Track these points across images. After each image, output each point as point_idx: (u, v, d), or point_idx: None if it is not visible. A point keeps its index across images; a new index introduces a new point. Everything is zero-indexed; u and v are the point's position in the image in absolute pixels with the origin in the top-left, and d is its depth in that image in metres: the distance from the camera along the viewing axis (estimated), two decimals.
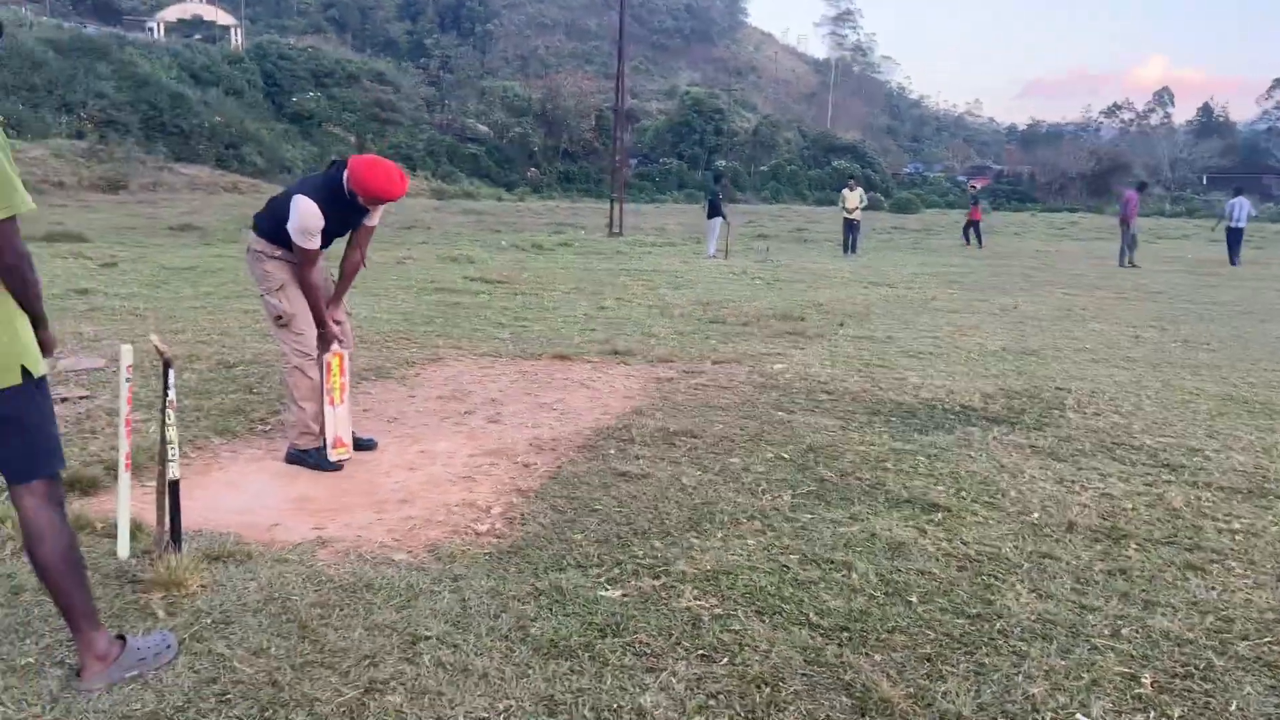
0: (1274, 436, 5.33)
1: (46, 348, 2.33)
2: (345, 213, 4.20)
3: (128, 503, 3.13)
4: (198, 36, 62.79)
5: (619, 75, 26.57)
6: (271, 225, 4.24)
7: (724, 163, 64.05)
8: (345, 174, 4.11)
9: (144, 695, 2.33)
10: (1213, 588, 3.22)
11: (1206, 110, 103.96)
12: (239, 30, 71.22)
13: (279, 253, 4.25)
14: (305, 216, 4.04)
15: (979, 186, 26.87)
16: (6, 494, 3.09)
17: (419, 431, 5.05)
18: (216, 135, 44.38)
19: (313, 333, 4.34)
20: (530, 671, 2.51)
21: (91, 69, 41.83)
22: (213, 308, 8.92)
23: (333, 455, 4.31)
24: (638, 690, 2.43)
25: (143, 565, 3.07)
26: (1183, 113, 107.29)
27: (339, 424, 4.38)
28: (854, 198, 21.08)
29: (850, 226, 20.93)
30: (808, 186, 64.26)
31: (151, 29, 65.14)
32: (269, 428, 4.95)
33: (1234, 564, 3.44)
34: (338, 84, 58.01)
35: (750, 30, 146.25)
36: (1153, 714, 2.41)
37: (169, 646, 2.48)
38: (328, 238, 4.22)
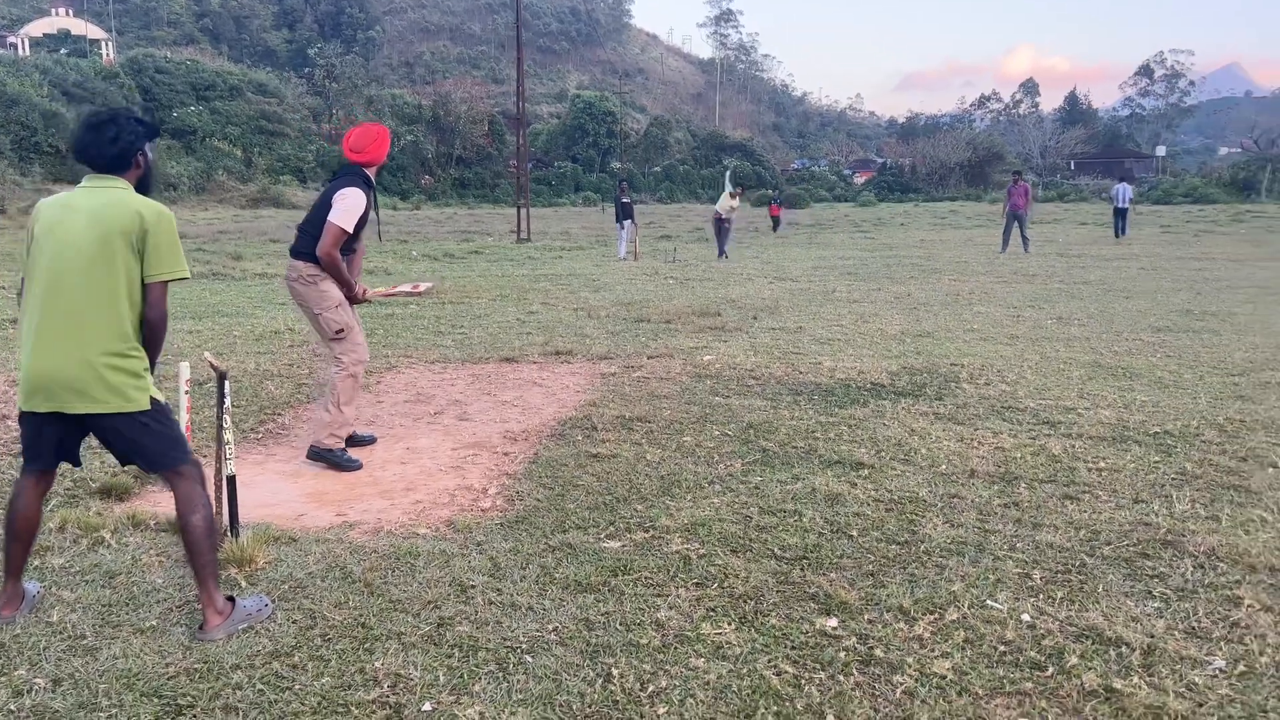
0: (1132, 395, 6.30)
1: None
2: (370, 199, 4.77)
3: None
4: (65, 51, 60.48)
5: (519, 83, 27.03)
6: (314, 248, 4.69)
7: (619, 164, 64.90)
8: (359, 159, 4.71)
9: (260, 641, 2.87)
10: (1084, 511, 4.04)
11: (1072, 98, 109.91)
12: (110, 43, 68.78)
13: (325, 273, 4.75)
14: (355, 199, 4.63)
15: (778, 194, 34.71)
16: (53, 496, 3.60)
17: (398, 431, 5.58)
18: None
19: (365, 343, 4.89)
20: (565, 603, 3.13)
21: None
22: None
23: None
24: (653, 609, 3.08)
25: None
26: (1050, 100, 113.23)
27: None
28: (724, 198, 20.10)
29: (719, 227, 19.86)
30: (700, 185, 65.75)
31: (15, 45, 62.36)
32: (260, 436, 5.41)
33: (1101, 493, 4.28)
34: (220, 97, 56.71)
35: (636, 32, 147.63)
36: (1042, 597, 3.18)
37: (266, 605, 3.02)
38: (361, 226, 4.72)
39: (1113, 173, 76.36)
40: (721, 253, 19.61)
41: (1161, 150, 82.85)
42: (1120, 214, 25.32)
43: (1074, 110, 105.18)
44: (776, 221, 32.19)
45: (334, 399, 4.80)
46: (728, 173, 28.80)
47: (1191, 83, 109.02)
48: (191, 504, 2.92)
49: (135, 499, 4.28)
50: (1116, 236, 24.65)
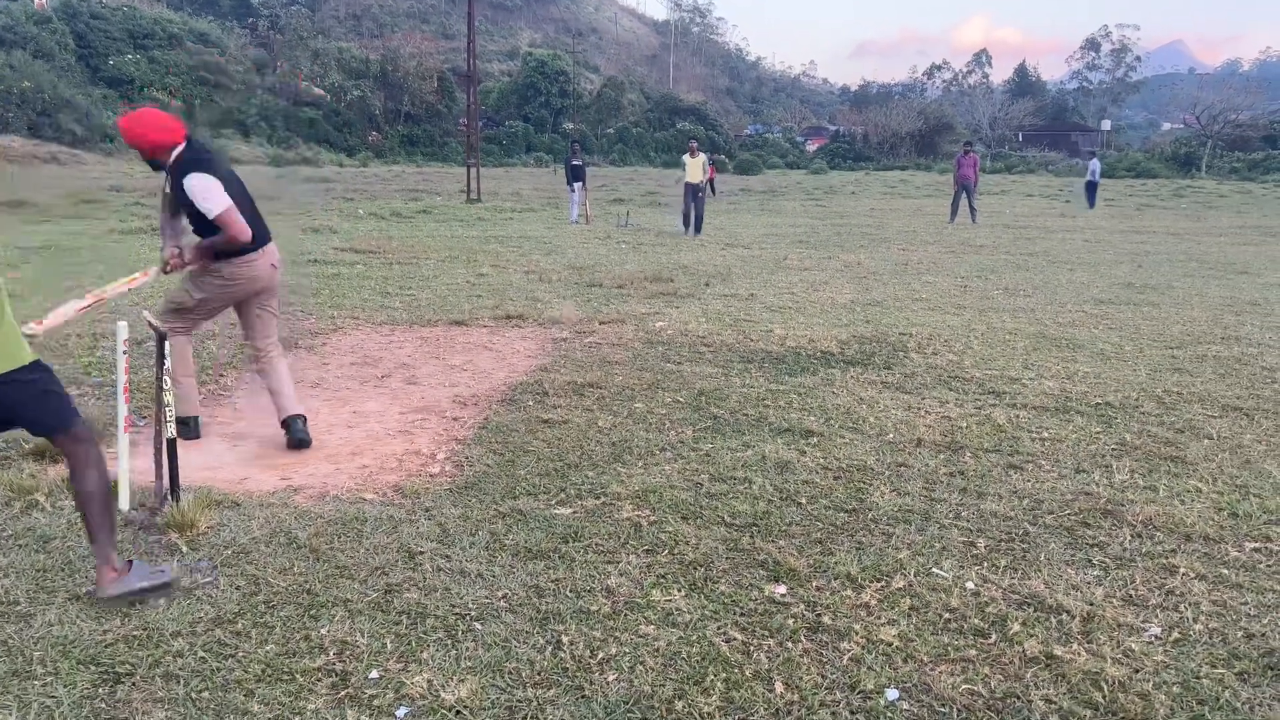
0: (1075, 366, 6.42)
1: None
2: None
3: (126, 460, 3.52)
4: None
5: (470, 39, 26.54)
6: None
7: (571, 125, 64.28)
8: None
9: (202, 607, 2.81)
10: (1028, 480, 4.11)
11: (1022, 70, 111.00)
12: None
13: None
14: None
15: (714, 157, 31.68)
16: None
17: (344, 395, 5.49)
18: (27, 102, 41.36)
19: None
20: (515, 570, 3.11)
21: None
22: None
23: None
24: (603, 576, 3.08)
25: (144, 515, 3.48)
26: (1001, 73, 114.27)
27: None
28: (696, 165, 17.40)
29: (692, 194, 17.14)
30: (654, 149, 65.35)
31: None
32: (201, 397, 5.27)
33: (1044, 463, 4.37)
34: (158, 45, 54.89)
35: None
36: (986, 565, 3.24)
37: (163, 571, 2.92)
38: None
39: (1059, 145, 77.59)
40: (691, 227, 16.94)
41: (1107, 124, 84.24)
42: (1091, 187, 27.12)
43: (1023, 82, 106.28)
44: (710, 185, 30.64)
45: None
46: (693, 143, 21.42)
47: (1138, 58, 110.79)
48: (84, 466, 2.83)
49: None
50: (1090, 207, 26.41)
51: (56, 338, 6.51)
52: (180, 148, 4.16)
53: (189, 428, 4.44)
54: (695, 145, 18.23)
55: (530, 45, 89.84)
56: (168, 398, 3.44)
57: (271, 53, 63.04)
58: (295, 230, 15.33)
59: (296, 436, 4.42)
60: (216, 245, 4.16)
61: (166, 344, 3.42)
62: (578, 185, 19.90)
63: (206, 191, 4.06)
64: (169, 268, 4.14)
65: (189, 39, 57.21)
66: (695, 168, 17.27)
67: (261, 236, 4.34)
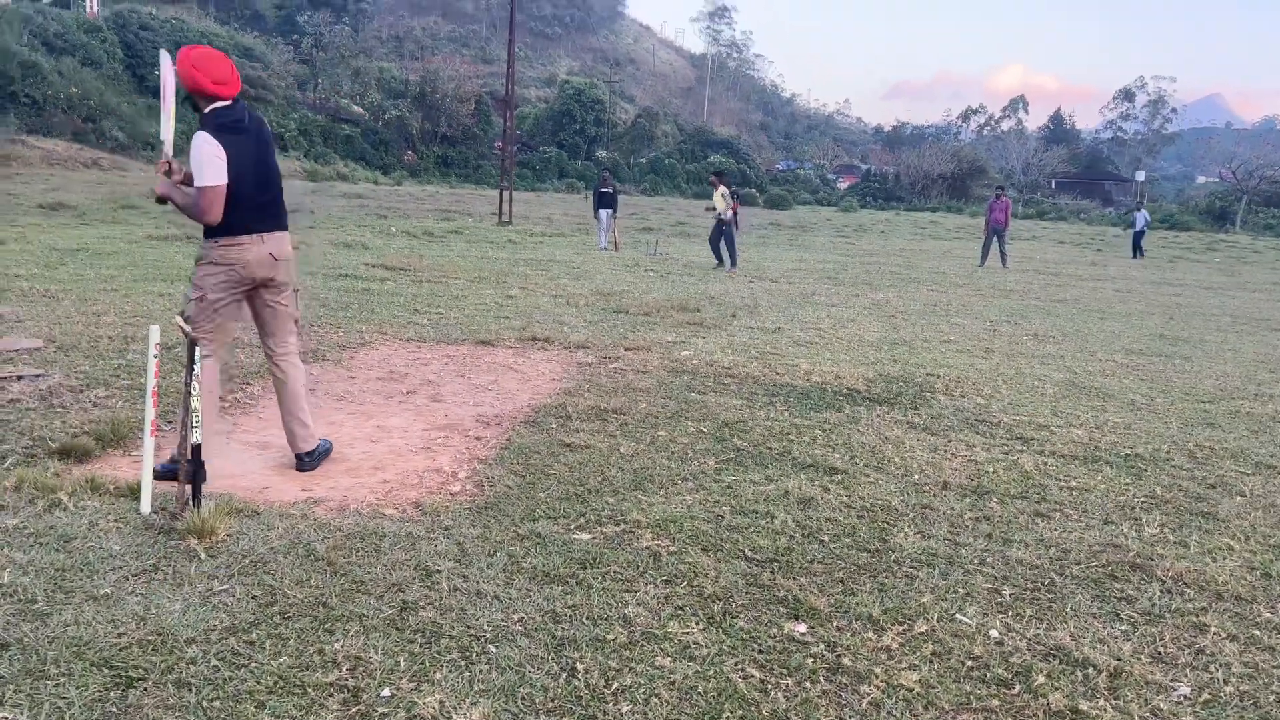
0: (1105, 415, 6.33)
1: None
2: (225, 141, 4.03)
3: (151, 464, 3.53)
4: (48, 1, 59.32)
5: (509, 64, 26.84)
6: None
7: (604, 153, 64.74)
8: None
9: (218, 615, 2.79)
10: (1055, 529, 4.04)
11: (1057, 118, 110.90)
12: None
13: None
14: (199, 148, 3.98)
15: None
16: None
17: (369, 409, 5.49)
18: (74, 108, 42.20)
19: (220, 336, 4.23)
20: (531, 594, 3.08)
21: None
22: (125, 290, 8.99)
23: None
24: (621, 605, 3.04)
25: (165, 519, 3.48)
26: (1036, 119, 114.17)
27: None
28: (717, 197, 16.98)
29: (715, 227, 16.73)
30: (685, 180, 65.68)
31: None
32: (227, 404, 5.30)
33: (1071, 512, 4.29)
34: None
35: (629, 22, 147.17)
36: (1011, 614, 3.17)
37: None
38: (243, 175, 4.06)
39: (1092, 194, 77.26)
40: (725, 261, 16.38)
41: (1141, 175, 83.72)
42: (1138, 236, 27.94)
43: (1058, 129, 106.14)
44: (736, 218, 30.22)
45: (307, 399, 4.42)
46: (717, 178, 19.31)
47: (1173, 110, 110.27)
48: None
49: (96, 461, 4.18)
50: (1133, 256, 27.19)
51: (89, 339, 6.58)
52: (220, 104, 3.95)
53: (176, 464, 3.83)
54: (714, 178, 17.86)
55: (568, 73, 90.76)
56: (195, 403, 3.45)
57: (313, 69, 64.04)
58: (326, 244, 15.48)
59: (303, 469, 4.28)
60: (186, 206, 3.94)
61: (197, 350, 3.43)
62: (605, 213, 19.99)
63: (203, 161, 3.84)
64: (158, 169, 4.03)
65: (234, 53, 58.20)
66: (717, 199, 16.93)
67: (265, 223, 4.11)
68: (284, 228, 4.23)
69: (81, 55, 47.76)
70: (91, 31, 51.50)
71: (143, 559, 3.14)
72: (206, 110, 3.95)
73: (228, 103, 3.98)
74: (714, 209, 16.96)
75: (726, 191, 16.86)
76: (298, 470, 4.28)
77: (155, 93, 45.82)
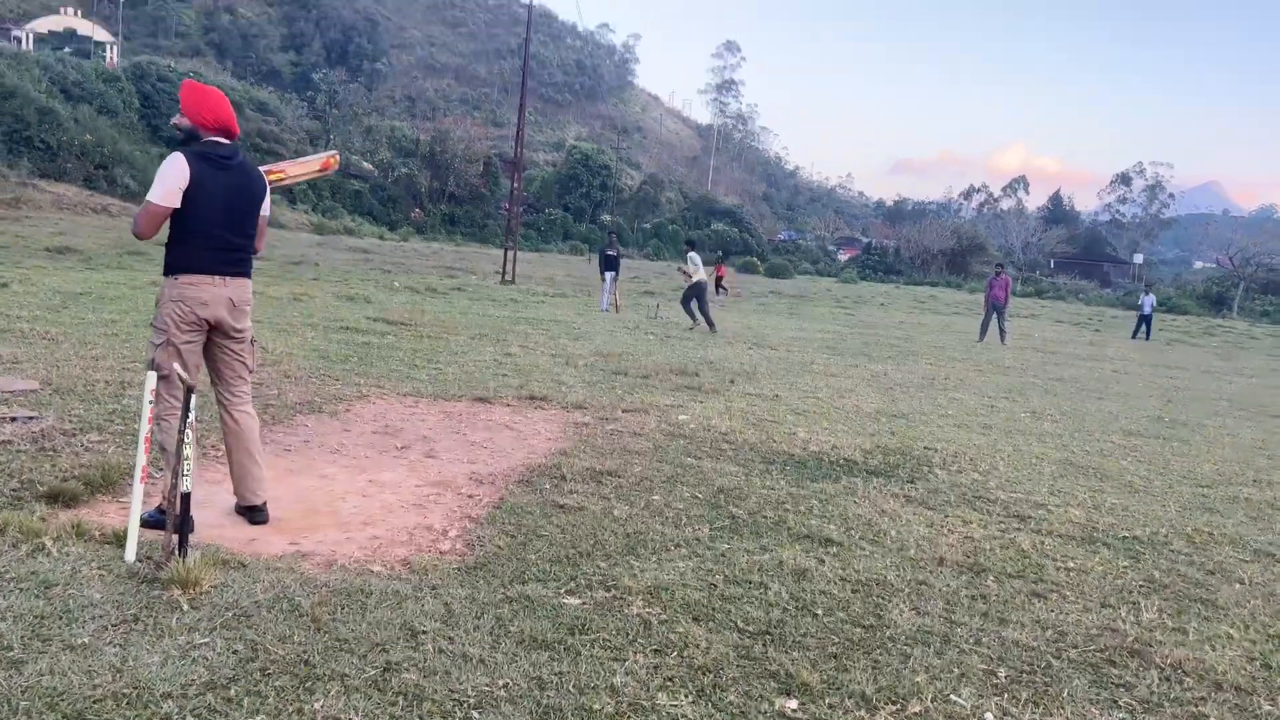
0: (1102, 496, 6.28)
1: None
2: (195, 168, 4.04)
3: (139, 512, 3.48)
4: (68, 50, 60.52)
5: (519, 130, 27.28)
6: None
7: (609, 217, 65.49)
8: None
9: (196, 669, 2.73)
10: (1052, 610, 3.98)
11: (1056, 199, 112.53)
12: (114, 47, 68.92)
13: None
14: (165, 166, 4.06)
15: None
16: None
17: (362, 463, 5.45)
18: (87, 154, 42.76)
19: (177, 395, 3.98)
20: (518, 658, 3.02)
21: None
22: (125, 335, 9.00)
23: None
24: (609, 674, 2.97)
25: (149, 568, 3.42)
26: (1035, 199, 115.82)
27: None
28: (688, 261, 17.81)
29: (690, 291, 17.41)
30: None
31: (19, 39, 62.34)
32: (220, 453, 5.25)
33: (1069, 593, 4.23)
34: None
35: (638, 91, 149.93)
36: (1007, 696, 3.11)
37: None
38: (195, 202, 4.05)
39: (1090, 275, 77.94)
40: (710, 323, 16.99)
41: (1139, 258, 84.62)
42: (1145, 319, 28.34)
43: (1057, 210, 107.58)
44: (718, 284, 30.69)
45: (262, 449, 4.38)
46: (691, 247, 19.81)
47: (1171, 195, 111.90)
48: None
49: (83, 507, 4.13)
50: (1133, 336, 27.80)
51: (85, 383, 6.57)
52: (215, 139, 4.01)
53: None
54: (686, 246, 19.15)
55: (576, 138, 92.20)
56: (187, 451, 3.42)
57: (326, 125, 65.06)
58: (329, 297, 15.55)
59: (255, 521, 4.17)
60: (136, 214, 3.92)
61: (193, 398, 3.42)
62: (609, 275, 20.14)
63: (160, 175, 3.85)
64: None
65: (249, 107, 59.17)
66: (689, 265, 17.72)
67: (229, 267, 4.04)
68: (247, 276, 4.18)
69: (99, 104, 48.53)
70: (110, 81, 52.43)
71: (124, 609, 3.08)
72: (201, 141, 4.00)
73: (225, 142, 4.03)
74: (683, 270, 17.96)
75: (697, 257, 17.85)
76: (250, 523, 4.17)
77: (168, 142, 46.50)
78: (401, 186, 62.35)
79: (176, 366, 3.53)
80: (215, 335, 4.10)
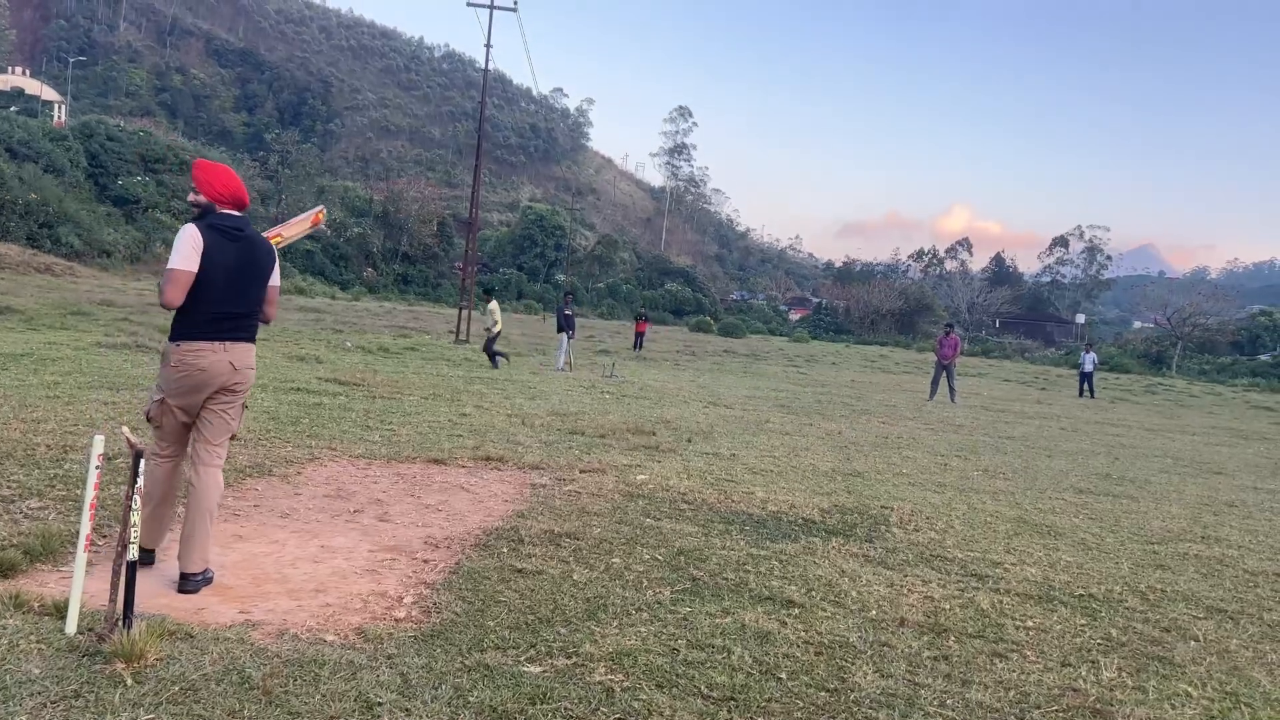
0: (1057, 554, 6.34)
1: None
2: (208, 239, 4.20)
3: (82, 581, 3.35)
4: (15, 109, 59.90)
5: (474, 189, 27.39)
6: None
7: (564, 276, 65.78)
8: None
9: None
10: (1013, 670, 3.98)
11: (999, 260, 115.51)
12: (63, 107, 68.35)
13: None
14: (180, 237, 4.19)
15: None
16: None
17: (314, 527, 5.32)
18: (31, 213, 42.05)
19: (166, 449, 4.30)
20: None
21: None
22: (68, 398, 8.76)
23: None
24: None
25: (91, 640, 3.29)
26: (979, 260, 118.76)
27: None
28: (489, 311, 19.62)
29: (490, 339, 19.25)
30: (642, 306, 66.81)
31: None
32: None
33: (1029, 653, 4.23)
34: (169, 170, 56.41)
35: (592, 154, 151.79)
36: None
37: None
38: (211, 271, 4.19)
39: (1034, 334, 79.78)
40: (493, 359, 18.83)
41: (1081, 318, 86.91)
42: (1086, 377, 29.19)
43: (1000, 271, 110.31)
44: (639, 339, 31.49)
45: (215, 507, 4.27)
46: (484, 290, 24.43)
47: (1109, 257, 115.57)
48: None
49: (21, 577, 3.97)
50: (1079, 395, 28.63)
51: (25, 446, 6.36)
52: (226, 211, 4.18)
53: (148, 555, 4.23)
54: (486, 295, 21.26)
55: (530, 199, 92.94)
56: (135, 518, 3.31)
57: (278, 185, 64.83)
58: (280, 357, 15.33)
59: (184, 590, 4.05)
60: (161, 284, 4.02)
61: (142, 462, 3.32)
62: (564, 335, 20.16)
63: (178, 245, 3.99)
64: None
65: None
66: (489, 314, 19.41)
67: (231, 334, 4.15)
68: (251, 341, 4.29)
69: (45, 162, 47.92)
70: (57, 140, 51.87)
71: (64, 684, 2.94)
72: (214, 214, 4.17)
73: (236, 214, 4.21)
74: (484, 319, 19.69)
75: (496, 307, 19.46)
76: (178, 591, 4.04)
77: (115, 201, 46.09)
78: (354, 246, 62.12)
79: (125, 430, 3.44)
80: (214, 395, 4.20)
